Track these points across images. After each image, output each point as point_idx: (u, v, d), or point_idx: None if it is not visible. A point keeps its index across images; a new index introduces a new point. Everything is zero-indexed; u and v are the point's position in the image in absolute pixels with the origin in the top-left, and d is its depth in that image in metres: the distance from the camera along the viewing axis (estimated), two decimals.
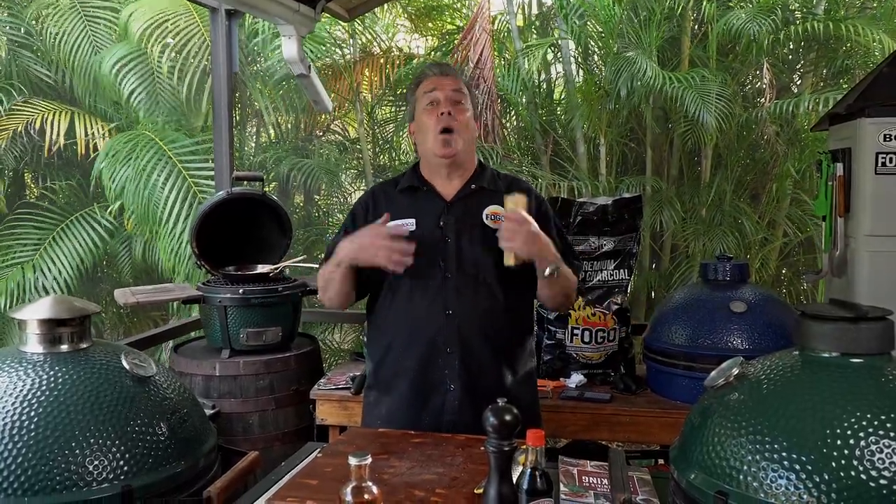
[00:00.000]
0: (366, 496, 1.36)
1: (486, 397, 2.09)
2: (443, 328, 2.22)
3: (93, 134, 6.50)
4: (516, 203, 2.08)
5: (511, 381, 2.30)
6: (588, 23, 6.76)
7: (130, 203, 6.05)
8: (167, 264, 6.09)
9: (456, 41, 7.37)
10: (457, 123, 2.24)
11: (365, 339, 2.52)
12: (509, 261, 2.09)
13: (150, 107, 6.39)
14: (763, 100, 6.60)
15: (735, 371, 1.52)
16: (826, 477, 1.26)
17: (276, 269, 3.67)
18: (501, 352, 2.28)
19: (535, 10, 8.03)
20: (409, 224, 2.26)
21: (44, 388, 1.68)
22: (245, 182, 3.88)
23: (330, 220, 8.26)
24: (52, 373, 1.72)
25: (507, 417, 1.44)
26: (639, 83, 5.93)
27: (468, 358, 2.23)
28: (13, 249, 6.30)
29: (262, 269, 3.70)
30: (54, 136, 6.40)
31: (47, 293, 5.86)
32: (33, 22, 6.63)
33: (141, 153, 6.01)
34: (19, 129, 6.49)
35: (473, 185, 2.32)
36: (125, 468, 1.65)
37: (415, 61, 7.55)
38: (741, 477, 1.34)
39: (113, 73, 6.34)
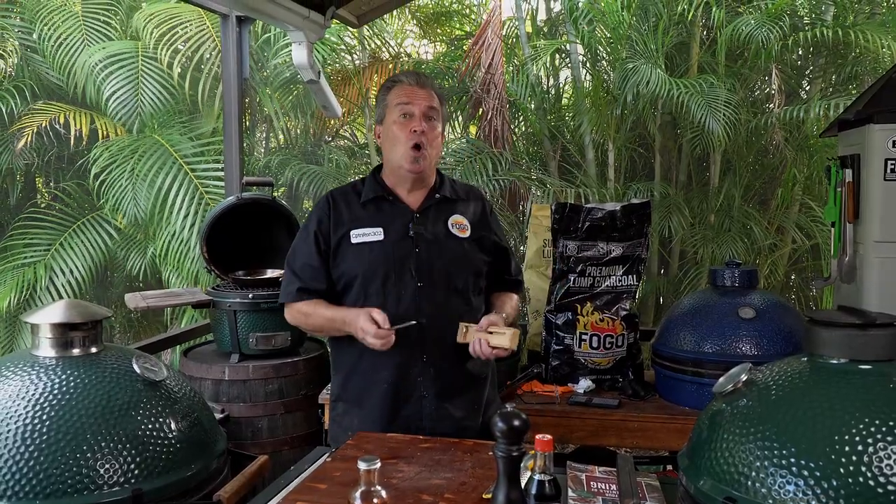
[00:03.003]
0: (375, 500, 1.37)
1: (461, 402, 2.27)
2: (418, 337, 2.24)
3: (113, 135, 6.54)
4: (512, 339, 2.16)
5: (482, 383, 2.39)
6: (597, 28, 6.76)
7: (128, 205, 6.08)
8: (168, 267, 6.12)
9: (465, 47, 7.39)
10: (427, 141, 2.27)
11: (329, 349, 2.51)
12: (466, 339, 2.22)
13: (130, 108, 6.41)
14: (772, 105, 6.59)
15: (743, 377, 1.52)
16: (834, 483, 1.26)
17: None
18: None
19: (543, 16, 8.05)
20: (378, 235, 2.29)
21: (55, 392, 1.70)
22: (255, 187, 3.90)
23: None
24: (63, 377, 1.73)
25: (516, 423, 1.44)
26: (644, 90, 5.93)
27: (443, 364, 2.27)
28: (23, 252, 6.34)
29: (271, 273, 3.71)
30: (77, 133, 6.46)
31: (60, 296, 5.90)
32: (45, 28, 6.68)
33: (143, 156, 6.04)
34: (44, 123, 6.55)
35: (438, 195, 2.37)
36: (136, 472, 1.66)
37: (423, 67, 7.57)
38: (749, 483, 1.34)
39: (97, 71, 6.37)
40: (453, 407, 2.28)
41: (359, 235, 2.29)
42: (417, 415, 2.26)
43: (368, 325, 2.11)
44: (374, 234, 2.28)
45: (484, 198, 2.52)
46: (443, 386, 2.27)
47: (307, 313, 2.32)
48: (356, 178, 8.20)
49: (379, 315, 2.12)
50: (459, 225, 2.35)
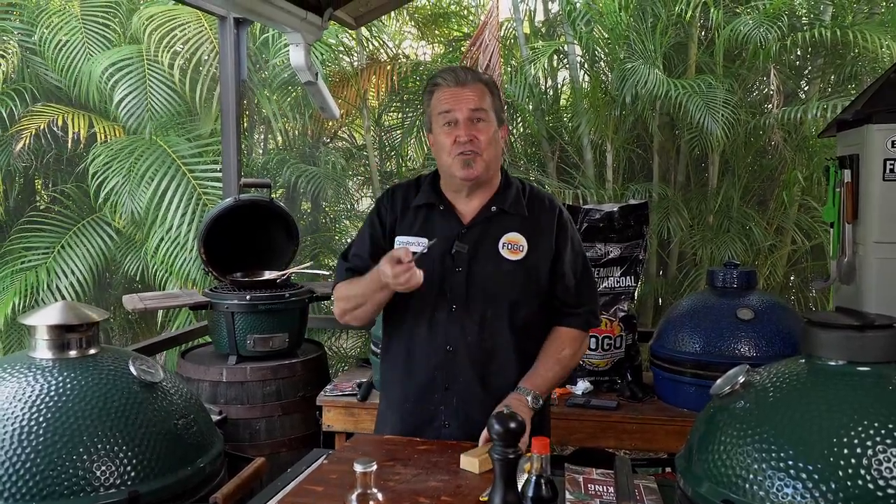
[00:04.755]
0: (371, 503, 1.36)
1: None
2: (442, 365, 2.11)
3: (111, 136, 6.53)
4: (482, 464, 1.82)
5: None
6: (595, 29, 6.76)
7: (123, 202, 6.08)
8: (162, 268, 6.11)
9: (463, 48, 7.38)
10: (478, 145, 2.07)
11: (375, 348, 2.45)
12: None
13: (139, 114, 6.42)
14: (770, 106, 6.59)
15: (741, 379, 1.51)
16: (832, 486, 1.25)
17: (283, 275, 3.67)
18: (505, 393, 2.09)
19: (541, 17, 8.05)
20: (422, 246, 2.09)
21: (52, 393, 1.69)
22: (253, 189, 3.89)
23: (337, 226, 8.28)
24: (60, 379, 1.73)
25: (512, 425, 1.44)
26: (643, 90, 5.92)
27: (467, 397, 2.10)
28: (23, 255, 6.33)
29: (269, 275, 3.71)
30: (75, 136, 6.46)
31: (64, 299, 5.89)
32: (45, 30, 6.67)
33: (141, 157, 6.04)
34: (42, 126, 6.54)
35: (494, 208, 2.15)
36: (132, 473, 1.66)
37: (421, 68, 7.57)
38: (747, 486, 1.34)
39: (105, 78, 6.39)
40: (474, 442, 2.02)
41: (402, 243, 2.14)
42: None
43: (386, 267, 1.93)
44: (417, 245, 2.09)
45: (559, 211, 2.21)
46: (467, 420, 2.09)
47: (350, 286, 2.15)
48: (356, 178, 8.22)
49: (402, 252, 1.93)
50: (513, 245, 2.13)
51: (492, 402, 2.04)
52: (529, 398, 2.06)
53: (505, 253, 2.13)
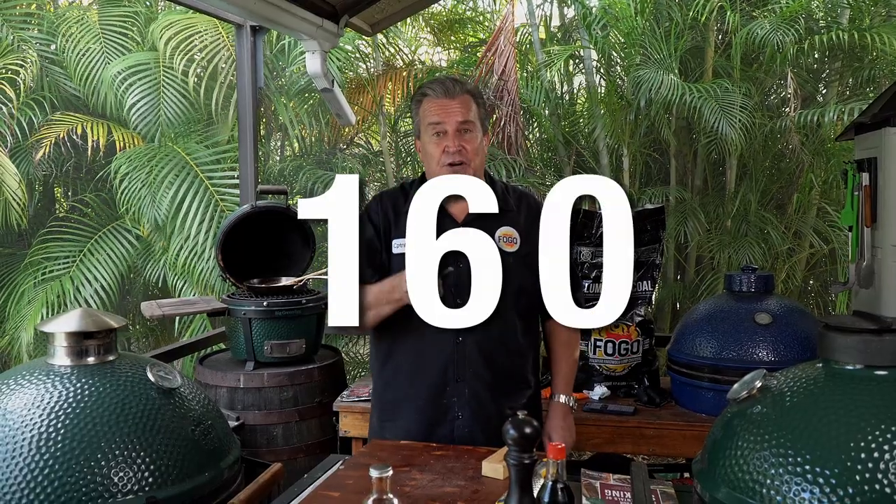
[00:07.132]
0: None
1: (496, 425, 2.06)
2: (453, 356, 2.19)
3: (129, 145, 6.59)
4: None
5: (520, 406, 2.23)
6: (610, 33, 6.75)
7: (148, 211, 6.12)
8: (182, 276, 6.15)
9: (479, 53, 7.40)
10: (466, 155, 2.17)
11: (370, 357, 2.47)
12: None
13: (152, 119, 6.47)
14: (788, 109, 6.55)
15: (758, 384, 1.51)
16: (850, 490, 1.24)
17: (300, 281, 3.69)
18: (512, 378, 2.25)
19: (556, 22, 8.05)
20: None
21: (70, 400, 1.71)
22: (269, 195, 3.91)
23: None
24: (78, 385, 1.75)
25: (528, 430, 1.44)
26: (657, 95, 5.90)
27: (478, 386, 2.20)
28: (45, 265, 6.39)
29: (286, 281, 3.72)
30: (94, 144, 6.52)
31: (89, 306, 5.94)
32: (64, 40, 6.75)
33: (159, 164, 6.09)
34: (62, 135, 6.61)
35: None
36: (150, 479, 1.67)
37: (438, 74, 7.59)
38: (764, 490, 1.33)
39: (118, 82, 6.45)
40: (486, 431, 2.17)
41: (399, 245, 2.21)
42: (449, 436, 2.19)
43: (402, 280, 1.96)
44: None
45: (541, 206, 2.33)
46: (479, 408, 2.20)
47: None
48: (373, 184, 8.24)
49: None
50: (507, 238, 2.24)
51: (500, 388, 2.22)
52: (571, 401, 2.37)
53: (502, 245, 2.22)
